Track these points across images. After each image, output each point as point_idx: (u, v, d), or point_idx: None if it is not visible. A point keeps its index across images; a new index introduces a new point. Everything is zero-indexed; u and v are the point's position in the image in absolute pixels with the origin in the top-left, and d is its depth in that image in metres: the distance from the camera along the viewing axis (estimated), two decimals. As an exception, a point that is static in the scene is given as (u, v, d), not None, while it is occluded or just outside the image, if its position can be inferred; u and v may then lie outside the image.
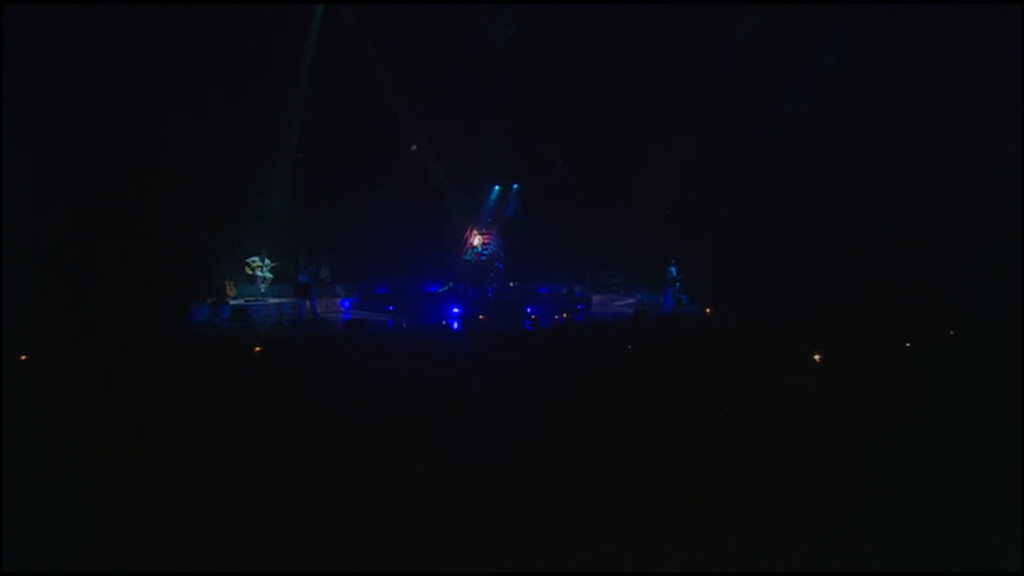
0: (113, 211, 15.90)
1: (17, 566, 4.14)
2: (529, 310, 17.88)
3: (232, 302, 18.24)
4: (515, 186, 24.54)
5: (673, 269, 19.94)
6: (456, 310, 17.40)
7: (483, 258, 23.47)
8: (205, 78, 16.97)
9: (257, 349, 10.50)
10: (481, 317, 15.98)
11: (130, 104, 15.82)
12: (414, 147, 22.60)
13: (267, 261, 19.04)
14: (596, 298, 21.38)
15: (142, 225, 16.28)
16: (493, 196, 24.70)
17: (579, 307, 19.48)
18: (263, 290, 19.02)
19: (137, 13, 15.46)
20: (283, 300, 18.54)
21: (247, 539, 4.69)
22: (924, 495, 5.28)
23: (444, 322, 15.12)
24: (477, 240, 23.60)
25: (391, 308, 18.37)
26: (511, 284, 23.24)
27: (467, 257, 23.42)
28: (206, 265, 18.57)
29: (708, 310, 17.44)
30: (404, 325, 15.20)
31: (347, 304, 19.83)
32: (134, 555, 4.40)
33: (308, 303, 16.72)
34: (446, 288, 22.20)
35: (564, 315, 16.44)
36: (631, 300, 22.07)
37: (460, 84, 20.93)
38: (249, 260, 18.99)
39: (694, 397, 7.92)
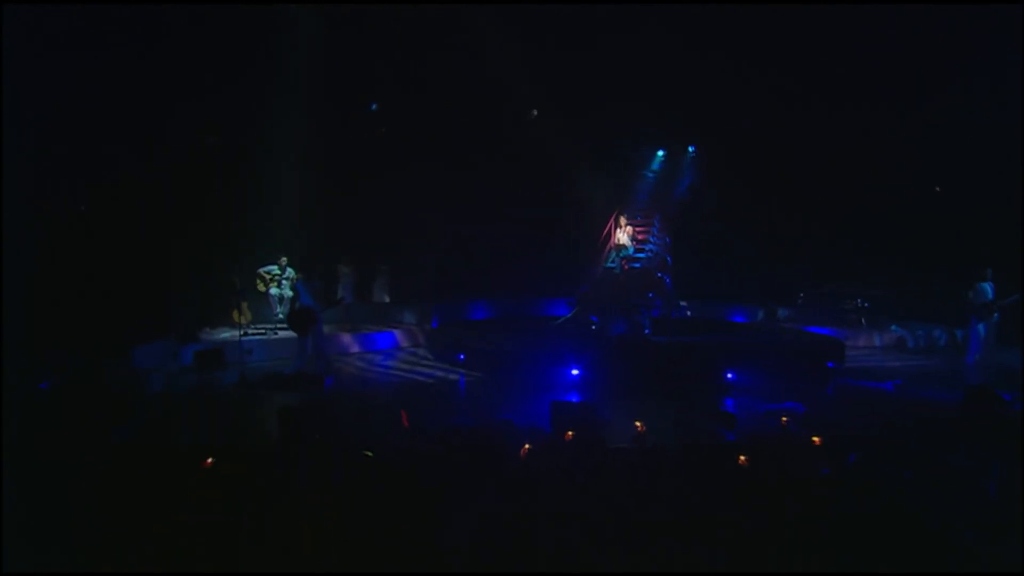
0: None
1: (17, 566, 3.98)
2: (731, 377, 9.31)
3: (223, 335, 11.71)
4: (691, 149, 15.91)
5: (989, 287, 10.80)
6: (575, 371, 9.28)
7: (637, 265, 14.57)
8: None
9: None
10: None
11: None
12: (534, 112, 15.75)
13: (289, 271, 12.25)
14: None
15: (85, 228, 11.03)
16: (655, 166, 16.24)
17: (830, 364, 10.52)
18: (280, 315, 12.27)
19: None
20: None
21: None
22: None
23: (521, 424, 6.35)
24: (625, 236, 14.59)
25: (462, 357, 10.66)
26: (688, 312, 13.87)
27: (611, 264, 14.66)
28: (195, 283, 12.16)
29: None
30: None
31: (388, 342, 12.47)
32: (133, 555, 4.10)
33: (312, 342, 9.52)
34: (567, 319, 13.83)
35: (800, 408, 7.10)
36: (881, 339, 12.97)
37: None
38: (264, 271, 12.36)
39: None
